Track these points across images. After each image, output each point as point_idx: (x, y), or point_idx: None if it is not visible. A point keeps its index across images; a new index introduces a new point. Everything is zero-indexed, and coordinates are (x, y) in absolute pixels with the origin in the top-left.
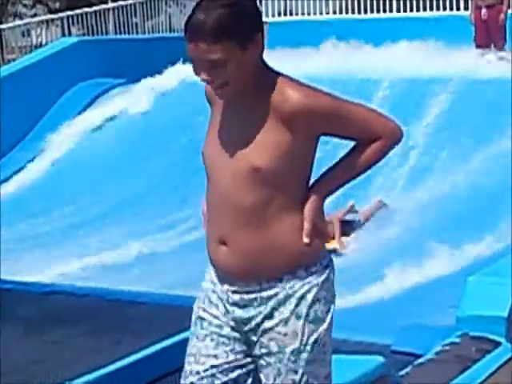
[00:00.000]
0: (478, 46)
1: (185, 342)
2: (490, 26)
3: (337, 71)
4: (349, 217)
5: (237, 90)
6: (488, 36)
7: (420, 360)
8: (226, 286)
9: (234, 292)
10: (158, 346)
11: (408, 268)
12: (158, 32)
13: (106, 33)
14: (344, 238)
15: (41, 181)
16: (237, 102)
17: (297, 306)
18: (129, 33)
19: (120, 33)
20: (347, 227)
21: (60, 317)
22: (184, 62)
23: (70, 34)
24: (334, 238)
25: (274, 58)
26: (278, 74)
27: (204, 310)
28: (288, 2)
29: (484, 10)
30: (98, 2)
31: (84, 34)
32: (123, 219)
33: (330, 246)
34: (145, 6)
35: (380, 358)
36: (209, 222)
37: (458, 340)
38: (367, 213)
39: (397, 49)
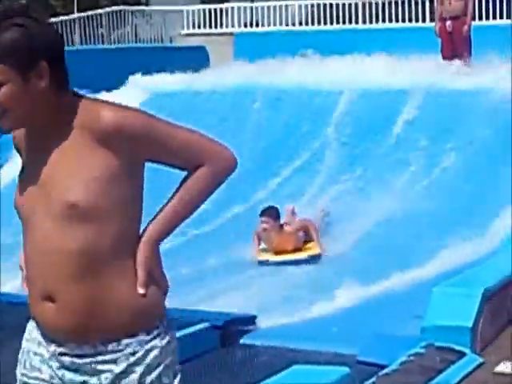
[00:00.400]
0: (444, 58)
1: None
2: (454, 37)
3: (303, 83)
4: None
5: (20, 118)
6: (453, 48)
7: (385, 370)
8: (53, 347)
9: (64, 354)
10: None
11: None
12: (124, 43)
13: (72, 43)
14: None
15: None
16: (41, 138)
17: (142, 374)
18: (95, 43)
19: (86, 43)
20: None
21: None
22: (144, 73)
23: None
24: (308, 242)
25: (238, 70)
26: (89, 98)
27: (27, 376)
28: (255, 13)
29: (449, 22)
30: (63, 12)
31: None
32: None
33: (312, 252)
34: (111, 16)
35: (345, 369)
36: (30, 278)
37: (422, 350)
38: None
39: (363, 60)
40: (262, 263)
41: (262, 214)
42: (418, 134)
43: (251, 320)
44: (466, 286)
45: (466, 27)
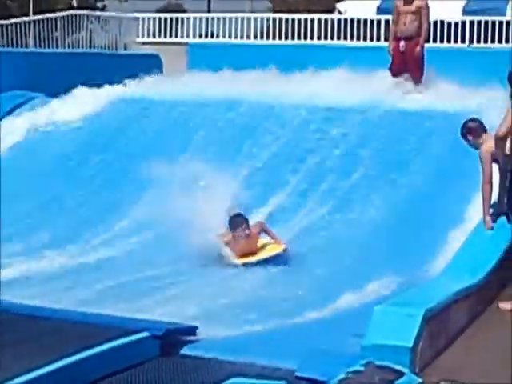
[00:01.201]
0: (393, 75)
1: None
2: (407, 57)
3: (256, 95)
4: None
5: None
6: (405, 67)
7: None
8: None
9: None
10: (62, 362)
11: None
12: (79, 47)
13: (26, 46)
14: None
15: None
16: None
17: None
18: (49, 47)
19: (40, 46)
20: None
21: None
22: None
23: None
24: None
25: (193, 80)
26: None
27: None
28: (210, 25)
29: (402, 42)
30: (19, 14)
31: (3, 46)
32: None
33: (276, 251)
34: (66, 20)
35: (282, 383)
36: None
37: (362, 368)
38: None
39: (317, 76)
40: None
41: (237, 222)
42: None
43: (192, 330)
44: (408, 305)
45: (418, 48)
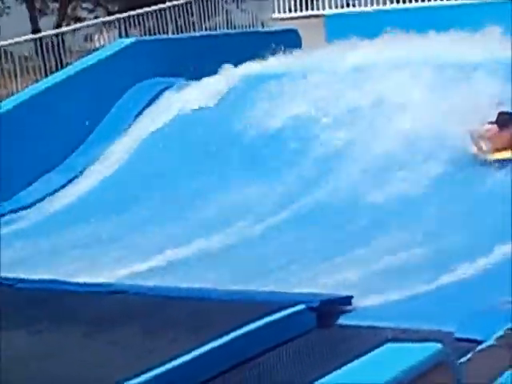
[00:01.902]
0: None
1: (242, 337)
2: None
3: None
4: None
5: None
6: None
7: (481, 346)
8: None
9: None
10: (215, 343)
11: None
12: (217, 30)
13: (166, 33)
14: None
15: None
16: None
17: None
18: (188, 32)
19: (178, 33)
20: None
21: (116, 317)
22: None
23: (127, 35)
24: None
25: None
26: None
27: None
28: None
29: None
30: (155, 2)
31: (143, 35)
32: None
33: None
34: (202, 3)
35: (437, 345)
36: None
37: None
38: None
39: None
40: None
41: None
42: None
43: (347, 300)
44: None
45: None
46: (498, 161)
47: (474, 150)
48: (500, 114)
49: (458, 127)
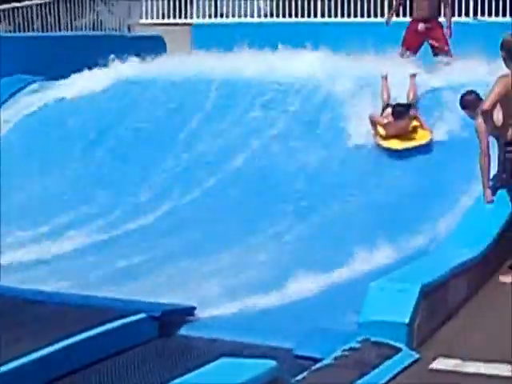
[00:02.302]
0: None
1: (79, 343)
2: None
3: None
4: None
5: None
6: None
7: (318, 365)
8: None
9: None
10: (59, 345)
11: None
12: (86, 31)
13: (33, 30)
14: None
15: None
16: None
17: None
18: (55, 30)
19: (46, 31)
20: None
21: None
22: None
23: None
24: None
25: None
26: None
27: None
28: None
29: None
30: None
31: (11, 32)
32: None
33: (425, 140)
34: (72, 3)
35: (271, 362)
36: None
37: (358, 345)
38: (412, 90)
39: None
40: None
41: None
42: None
43: (190, 311)
44: (404, 281)
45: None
46: (388, 149)
47: (372, 133)
48: (396, 105)
49: None
